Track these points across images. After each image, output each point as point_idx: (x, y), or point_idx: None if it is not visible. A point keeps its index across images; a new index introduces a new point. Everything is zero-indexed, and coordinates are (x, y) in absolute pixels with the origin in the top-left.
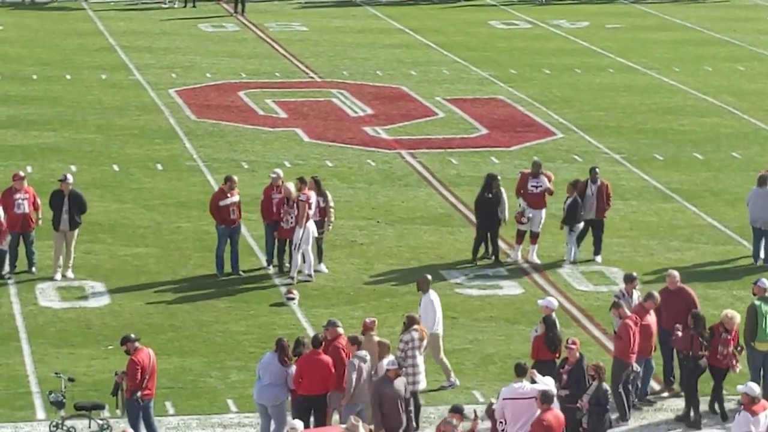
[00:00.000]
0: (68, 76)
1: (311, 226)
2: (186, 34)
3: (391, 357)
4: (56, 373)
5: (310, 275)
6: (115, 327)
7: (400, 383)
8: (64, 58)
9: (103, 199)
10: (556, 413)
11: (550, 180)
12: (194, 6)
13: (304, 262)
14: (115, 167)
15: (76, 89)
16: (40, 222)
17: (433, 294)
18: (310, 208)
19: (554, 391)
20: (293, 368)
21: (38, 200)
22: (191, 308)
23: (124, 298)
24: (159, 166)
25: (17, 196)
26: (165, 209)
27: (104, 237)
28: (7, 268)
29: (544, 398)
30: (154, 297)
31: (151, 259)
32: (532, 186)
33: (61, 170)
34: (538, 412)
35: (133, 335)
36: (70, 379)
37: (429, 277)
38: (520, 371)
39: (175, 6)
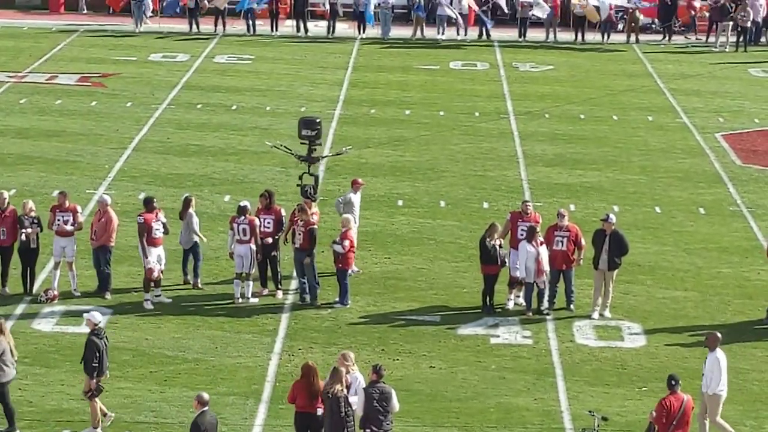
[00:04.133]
0: (615, 117)
1: None
2: (736, 79)
3: None
4: (590, 412)
5: None
6: (650, 369)
7: None
8: (612, 98)
9: (644, 241)
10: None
11: None
12: (745, 50)
13: None
14: (657, 209)
15: (623, 130)
16: (580, 262)
17: (719, 353)
18: None
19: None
20: None
21: (582, 239)
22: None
23: (660, 340)
24: (701, 210)
25: (557, 233)
26: (706, 254)
27: (643, 278)
28: (546, 304)
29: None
30: (691, 340)
31: (689, 303)
32: None
33: (603, 210)
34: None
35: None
36: (604, 418)
37: (719, 334)
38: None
39: (726, 50)
